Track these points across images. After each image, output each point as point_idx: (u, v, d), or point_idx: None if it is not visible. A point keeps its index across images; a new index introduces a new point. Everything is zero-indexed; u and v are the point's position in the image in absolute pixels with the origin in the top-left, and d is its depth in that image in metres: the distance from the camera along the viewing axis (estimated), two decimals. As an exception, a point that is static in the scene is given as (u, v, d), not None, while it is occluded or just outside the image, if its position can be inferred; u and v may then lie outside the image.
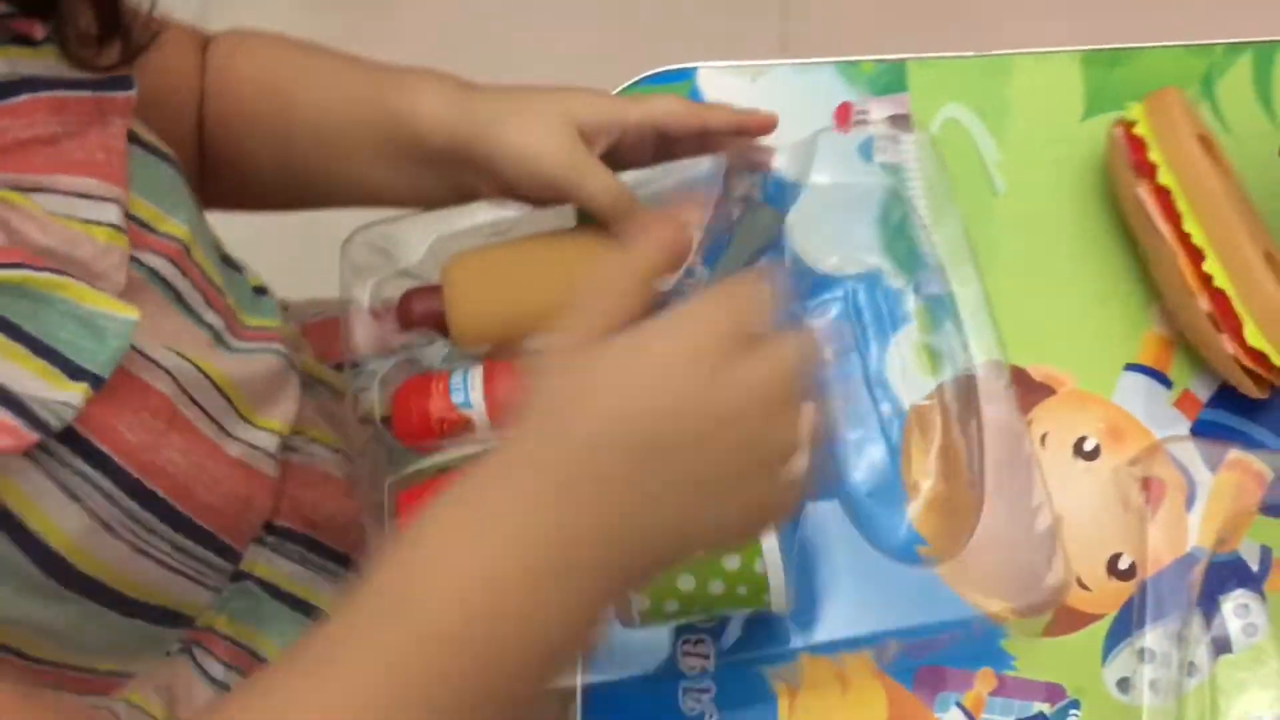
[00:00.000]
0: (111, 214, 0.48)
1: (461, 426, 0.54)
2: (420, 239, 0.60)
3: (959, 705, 0.54)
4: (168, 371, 0.50)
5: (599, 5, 1.59)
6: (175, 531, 0.50)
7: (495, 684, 0.37)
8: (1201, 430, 0.59)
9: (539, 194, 0.58)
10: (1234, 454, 0.57)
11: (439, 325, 0.57)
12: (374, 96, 0.59)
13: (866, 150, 0.65)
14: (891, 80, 0.69)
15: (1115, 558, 0.56)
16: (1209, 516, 0.56)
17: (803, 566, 0.53)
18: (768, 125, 0.61)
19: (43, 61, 0.49)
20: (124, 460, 0.47)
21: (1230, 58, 0.68)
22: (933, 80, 0.68)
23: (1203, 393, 0.60)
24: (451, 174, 0.59)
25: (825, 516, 0.54)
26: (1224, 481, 0.57)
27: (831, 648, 0.53)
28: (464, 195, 0.60)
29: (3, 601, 0.45)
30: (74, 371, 0.44)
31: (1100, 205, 0.65)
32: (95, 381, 0.44)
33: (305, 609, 0.59)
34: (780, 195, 0.62)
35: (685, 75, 0.69)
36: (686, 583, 0.48)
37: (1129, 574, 0.56)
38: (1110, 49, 0.68)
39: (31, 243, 0.45)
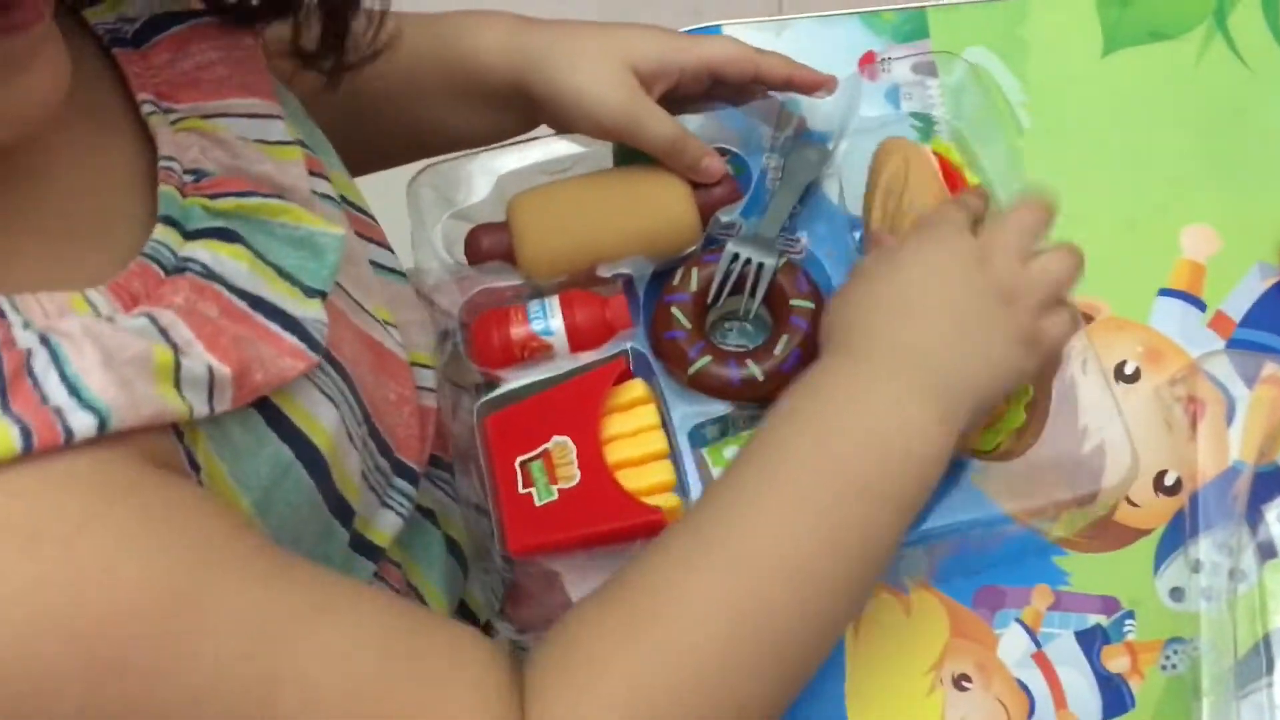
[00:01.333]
0: (279, 129, 0.49)
1: (542, 352, 0.56)
2: (481, 179, 0.62)
3: (1018, 621, 0.56)
4: (347, 293, 0.51)
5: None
6: (379, 452, 0.52)
7: (893, 494, 0.46)
8: (1236, 348, 0.61)
9: (599, 134, 0.59)
10: (1269, 367, 0.59)
11: (508, 258, 0.59)
12: (435, 45, 0.60)
13: (894, 97, 0.66)
14: (913, 28, 0.70)
15: (1161, 475, 0.58)
16: (1249, 430, 0.58)
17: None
18: (819, 83, 0.62)
19: None
20: (347, 366, 0.48)
21: (1239, -9, 0.70)
22: (952, 25, 0.70)
23: (1235, 313, 0.62)
24: (515, 111, 0.60)
25: None
26: (1261, 395, 0.59)
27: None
28: (529, 128, 0.62)
29: (280, 528, 0.46)
30: (307, 290, 0.46)
31: (1123, 138, 0.66)
32: (322, 297, 0.46)
33: (449, 542, 0.60)
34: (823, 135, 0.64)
35: (712, 33, 0.71)
36: None
37: (1175, 489, 0.58)
38: (1123, -14, 0.70)
39: (237, 168, 0.46)
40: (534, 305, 0.57)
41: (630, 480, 0.53)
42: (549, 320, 0.56)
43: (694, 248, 0.59)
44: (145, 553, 0.37)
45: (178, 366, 0.39)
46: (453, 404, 0.57)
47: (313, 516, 0.48)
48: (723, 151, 0.61)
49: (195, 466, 0.42)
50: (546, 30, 0.59)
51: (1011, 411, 0.53)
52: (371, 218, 0.58)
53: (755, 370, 0.55)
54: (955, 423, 0.47)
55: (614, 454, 0.53)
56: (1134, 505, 0.58)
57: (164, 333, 0.40)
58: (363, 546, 0.53)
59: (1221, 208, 0.64)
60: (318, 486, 0.47)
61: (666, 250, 0.59)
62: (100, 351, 0.37)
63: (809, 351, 0.54)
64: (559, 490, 0.53)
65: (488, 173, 0.62)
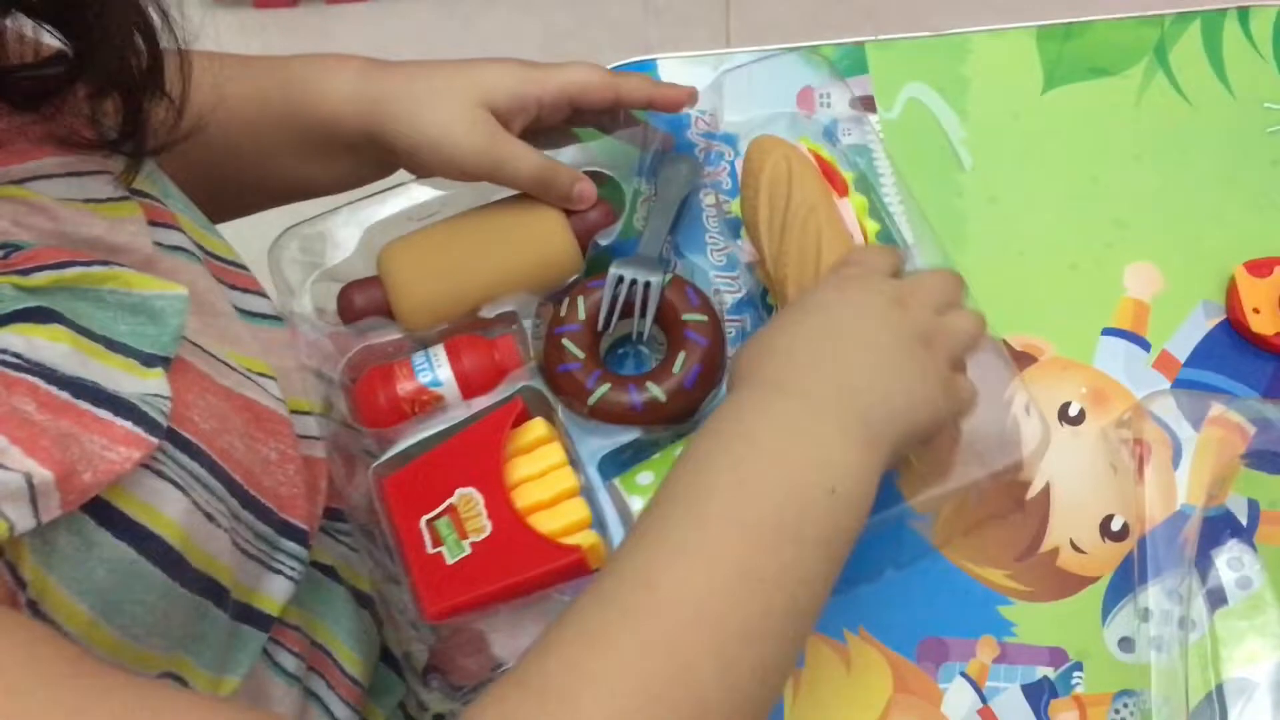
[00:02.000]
0: (108, 185, 0.46)
1: (434, 404, 0.54)
2: (346, 234, 0.60)
3: (963, 675, 0.54)
4: (204, 350, 0.47)
5: (540, 11, 1.59)
6: (258, 519, 0.48)
7: (818, 536, 0.44)
8: (1182, 388, 0.59)
9: (462, 178, 0.57)
10: (1216, 408, 0.58)
11: (384, 312, 0.57)
12: (281, 94, 0.57)
13: (831, 133, 0.65)
14: (852, 63, 0.69)
15: (1108, 519, 0.57)
16: (1196, 472, 0.57)
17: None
18: (680, 101, 0.61)
19: None
20: (206, 446, 0.45)
21: (1180, 27, 0.69)
22: (893, 62, 0.69)
23: (1180, 352, 0.60)
24: (370, 158, 0.59)
25: None
26: (1208, 437, 0.57)
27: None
28: (387, 173, 0.60)
29: (135, 625, 0.43)
30: (146, 359, 0.42)
31: (1065, 175, 0.65)
32: (165, 364, 0.42)
33: (356, 595, 0.57)
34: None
35: (647, 67, 0.69)
36: None
37: (1122, 535, 0.56)
38: (1064, 24, 0.69)
39: (56, 232, 0.43)
40: (418, 357, 0.55)
41: (544, 523, 0.51)
42: (436, 371, 0.54)
43: (577, 276, 0.58)
44: None
45: None
46: (346, 472, 0.54)
47: (173, 606, 0.44)
48: (594, 175, 0.60)
49: (21, 583, 0.38)
50: (397, 73, 0.57)
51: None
52: (239, 265, 0.55)
53: (657, 392, 0.53)
54: (881, 458, 0.45)
55: (523, 498, 0.51)
56: (1080, 551, 0.56)
57: None
58: (249, 616, 0.50)
59: (1165, 245, 0.63)
60: (171, 577, 0.43)
61: (549, 282, 0.57)
62: None
63: (709, 366, 0.54)
64: (471, 544, 0.50)
65: (352, 225, 0.60)
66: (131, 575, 0.42)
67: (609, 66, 0.64)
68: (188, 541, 0.43)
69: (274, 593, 0.50)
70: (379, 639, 0.59)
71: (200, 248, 0.52)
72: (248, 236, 0.60)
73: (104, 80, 0.46)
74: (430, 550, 0.50)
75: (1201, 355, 0.60)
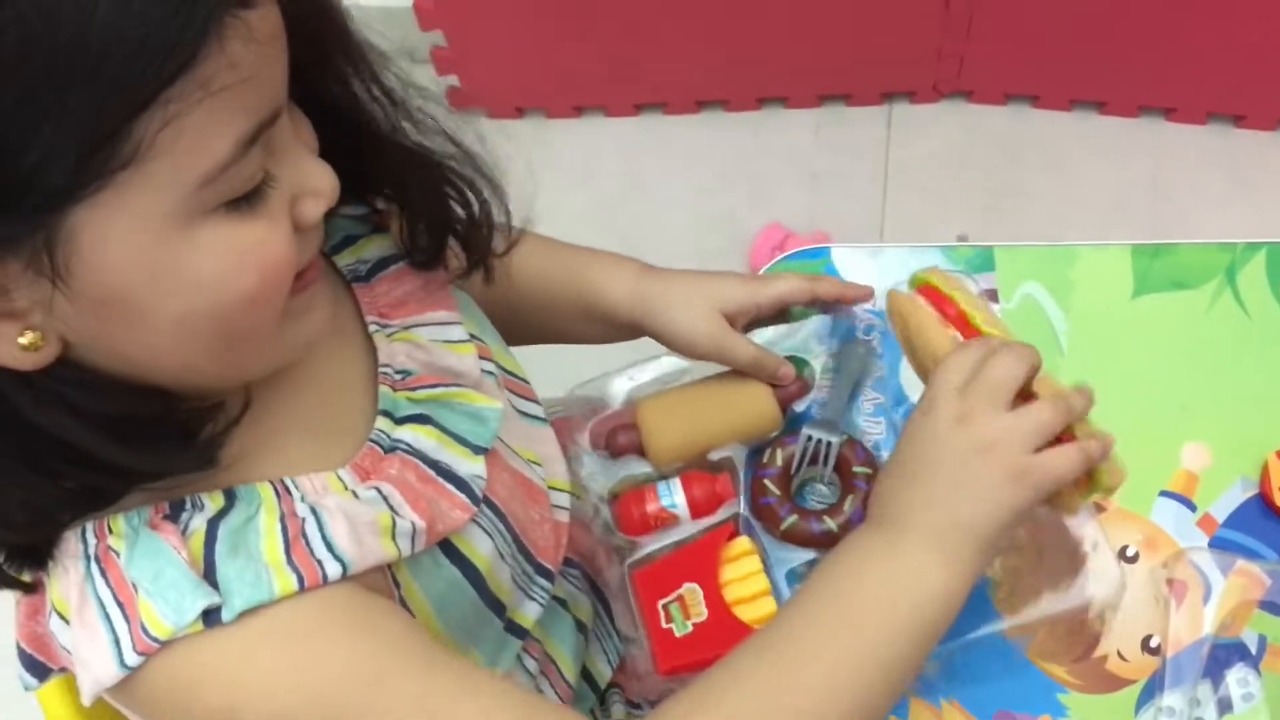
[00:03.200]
0: (458, 332, 0.69)
1: (670, 521, 0.75)
2: (614, 391, 0.83)
3: (1026, 742, 0.72)
4: (507, 445, 0.70)
5: (728, 134, 1.83)
6: (525, 560, 0.70)
7: (903, 634, 0.60)
8: (1217, 545, 0.77)
9: (697, 358, 0.79)
10: (1241, 563, 0.75)
11: (639, 452, 0.78)
12: (572, 278, 0.80)
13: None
14: (983, 261, 0.89)
15: (1148, 638, 0.75)
16: (1220, 610, 0.75)
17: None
18: (863, 296, 0.81)
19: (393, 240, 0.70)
20: (503, 507, 0.67)
21: (1249, 254, 0.87)
22: (1015, 262, 0.89)
23: (1220, 515, 0.78)
24: (630, 332, 0.80)
25: None
26: (1232, 584, 0.75)
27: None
28: (636, 338, 0.82)
29: (452, 623, 0.65)
30: (475, 449, 0.65)
31: (1144, 365, 0.84)
32: (484, 453, 0.65)
33: (577, 622, 0.79)
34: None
35: (823, 253, 0.90)
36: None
37: (1157, 650, 0.74)
38: (1154, 244, 0.88)
39: (430, 365, 0.66)
40: (661, 485, 0.77)
41: (744, 613, 0.72)
42: (674, 497, 0.76)
43: (777, 433, 0.79)
44: (350, 649, 0.56)
45: (394, 525, 0.58)
46: (605, 559, 0.77)
47: (475, 611, 0.67)
48: (792, 359, 0.81)
49: (397, 584, 0.61)
50: (659, 280, 0.79)
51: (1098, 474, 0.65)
52: (523, 379, 0.78)
53: (831, 524, 0.74)
54: (960, 563, 0.60)
55: (730, 594, 0.72)
56: (1124, 660, 0.74)
57: (386, 499, 0.59)
58: (513, 629, 0.72)
59: (1217, 430, 0.81)
60: (477, 593, 0.66)
61: (757, 437, 0.78)
62: (347, 520, 0.57)
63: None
64: (692, 624, 0.72)
65: (623, 385, 0.84)
66: (456, 588, 0.65)
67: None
68: (490, 571, 0.66)
69: (529, 613, 0.73)
70: (585, 654, 0.81)
71: (500, 367, 0.75)
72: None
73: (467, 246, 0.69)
74: (664, 625, 0.72)
75: (1235, 520, 0.78)
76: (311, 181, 0.53)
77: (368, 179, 0.65)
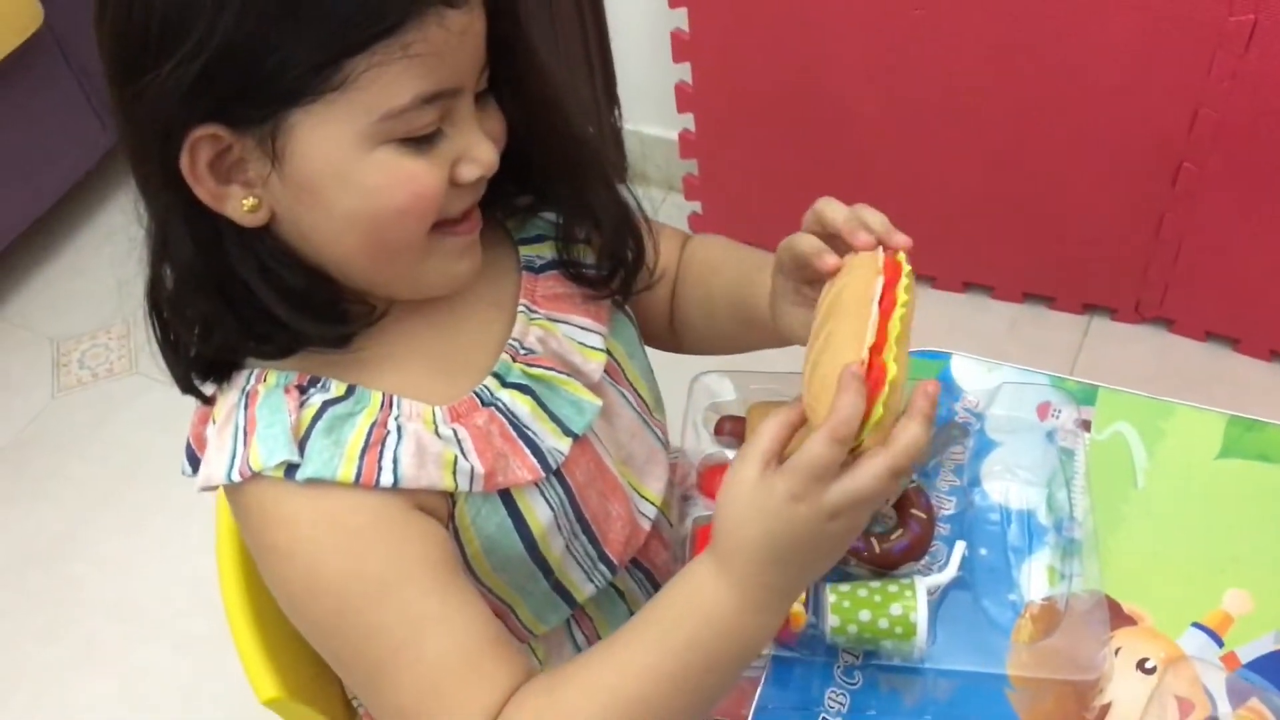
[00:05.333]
0: (596, 340, 0.83)
1: None
2: (733, 386, 0.96)
3: (1002, 793, 0.78)
4: (603, 443, 0.84)
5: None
6: (589, 543, 0.83)
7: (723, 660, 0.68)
8: (1233, 682, 0.82)
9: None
10: (1255, 700, 0.80)
11: (739, 440, 0.91)
12: (744, 292, 0.86)
13: (1053, 436, 0.94)
14: (1085, 396, 0.98)
15: (1145, 741, 0.80)
16: (1222, 736, 0.79)
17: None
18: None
19: (576, 251, 0.84)
20: (575, 488, 0.79)
21: (1340, 447, 0.93)
22: (1114, 403, 0.97)
23: (1244, 657, 0.83)
24: (772, 337, 0.83)
25: (954, 606, 0.84)
26: (1240, 718, 0.79)
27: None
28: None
29: (498, 565, 0.79)
30: (566, 431, 0.78)
31: (1208, 514, 0.90)
32: (575, 439, 0.79)
33: (629, 610, 0.91)
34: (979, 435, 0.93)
35: (943, 356, 1.02)
36: (864, 615, 0.78)
37: (1154, 755, 0.79)
38: (1250, 419, 0.95)
39: (555, 353, 0.80)
40: None
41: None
42: None
43: None
44: (379, 553, 0.69)
45: (455, 462, 0.72)
46: (679, 514, 0.89)
47: (521, 564, 0.79)
48: None
49: (453, 517, 0.75)
50: None
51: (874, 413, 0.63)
52: (655, 406, 0.91)
53: (876, 547, 0.83)
54: (776, 615, 0.68)
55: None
56: (1117, 753, 0.80)
57: (460, 442, 0.72)
58: (566, 595, 0.84)
59: (1265, 586, 0.86)
60: (525, 548, 0.78)
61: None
62: (418, 445, 0.70)
63: (914, 546, 0.83)
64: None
65: (740, 383, 0.97)
66: (507, 535, 0.77)
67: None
68: (544, 535, 0.79)
69: (584, 589, 0.85)
70: None
71: (634, 389, 0.89)
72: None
73: (614, 260, 0.85)
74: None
75: (1260, 665, 0.82)
76: (474, 151, 0.69)
77: (566, 195, 0.83)
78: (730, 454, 0.92)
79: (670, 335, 0.97)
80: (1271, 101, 1.53)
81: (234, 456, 0.70)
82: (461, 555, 0.77)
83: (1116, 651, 0.84)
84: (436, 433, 0.73)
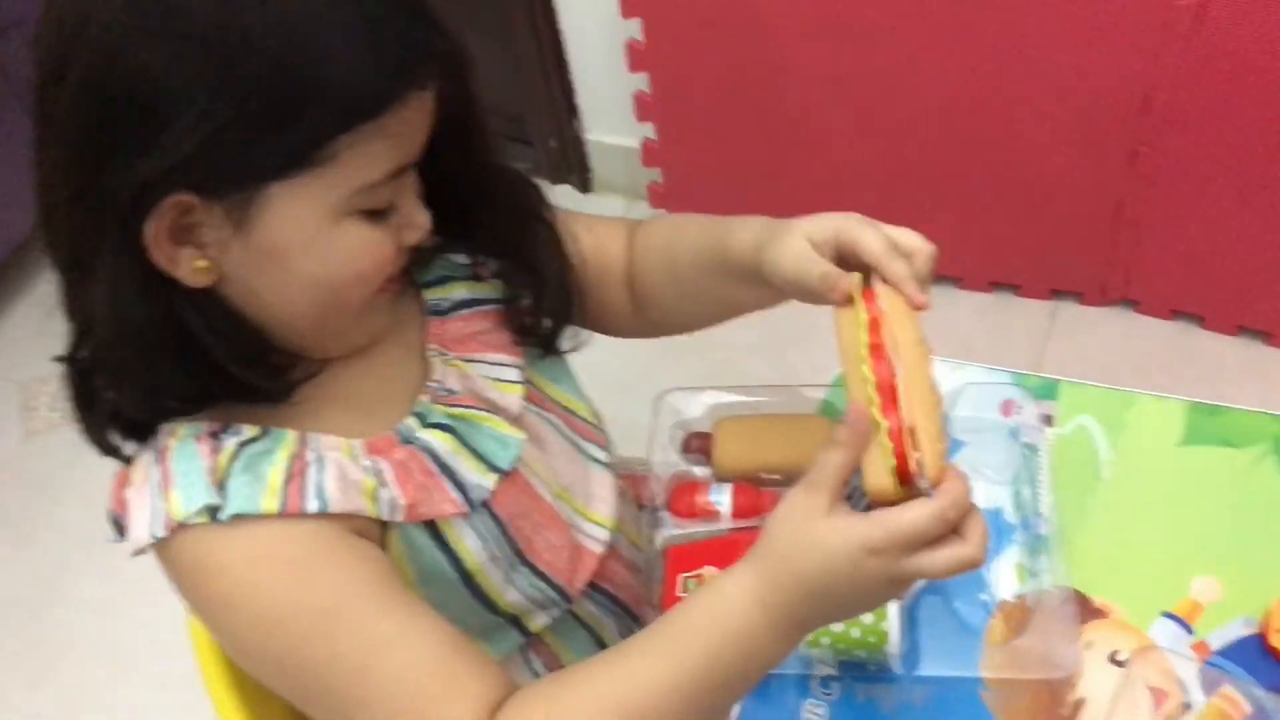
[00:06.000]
0: (512, 374, 0.83)
1: (712, 514, 0.87)
2: (699, 403, 0.97)
3: (982, 794, 0.79)
4: (536, 474, 0.84)
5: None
6: (532, 574, 0.83)
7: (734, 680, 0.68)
8: (1206, 670, 0.83)
9: (793, 289, 0.74)
10: (1227, 687, 0.81)
11: (706, 456, 0.91)
12: (717, 234, 0.83)
13: (1017, 433, 0.95)
14: (1047, 390, 0.99)
15: (1119, 732, 0.81)
16: (1196, 724, 0.80)
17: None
18: (917, 305, 0.71)
19: (486, 288, 0.85)
20: (506, 521, 0.79)
21: (1300, 428, 0.94)
22: (1076, 397, 0.98)
23: (1215, 644, 0.84)
24: (753, 286, 0.78)
25: (926, 610, 0.84)
26: (1215, 704, 0.80)
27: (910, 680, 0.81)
28: (766, 304, 0.82)
29: (437, 600, 0.76)
30: (491, 467, 0.78)
31: (1174, 504, 0.91)
32: (502, 474, 0.78)
33: (597, 639, 0.91)
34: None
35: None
36: (837, 626, 0.79)
37: (1127, 746, 0.80)
38: (1211, 404, 0.96)
39: (473, 392, 0.81)
40: (714, 486, 0.90)
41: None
42: (722, 496, 0.88)
43: None
44: (318, 580, 0.69)
45: (377, 492, 0.72)
46: (649, 535, 0.90)
47: (459, 594, 0.79)
48: None
49: (385, 546, 0.74)
50: (772, 225, 0.76)
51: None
52: (594, 425, 0.91)
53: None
54: (791, 646, 0.67)
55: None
56: (1092, 746, 0.80)
57: (379, 474, 0.73)
58: (517, 624, 0.84)
59: (1232, 572, 0.87)
60: (460, 580, 0.78)
61: (806, 470, 0.90)
62: (339, 472, 0.71)
63: None
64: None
65: (706, 400, 0.97)
66: (440, 567, 0.77)
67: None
68: (477, 566, 0.79)
69: (537, 619, 0.85)
70: None
71: (566, 409, 0.88)
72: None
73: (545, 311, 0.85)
74: (679, 594, 0.83)
75: (1231, 652, 0.83)
76: (416, 217, 0.73)
77: (484, 238, 0.84)
78: (699, 471, 0.92)
79: (638, 322, 0.95)
80: (1221, 82, 1.54)
81: (154, 512, 0.70)
82: None
83: (1088, 645, 0.84)
84: (357, 463, 0.73)
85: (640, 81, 1.94)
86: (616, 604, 0.93)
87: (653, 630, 0.69)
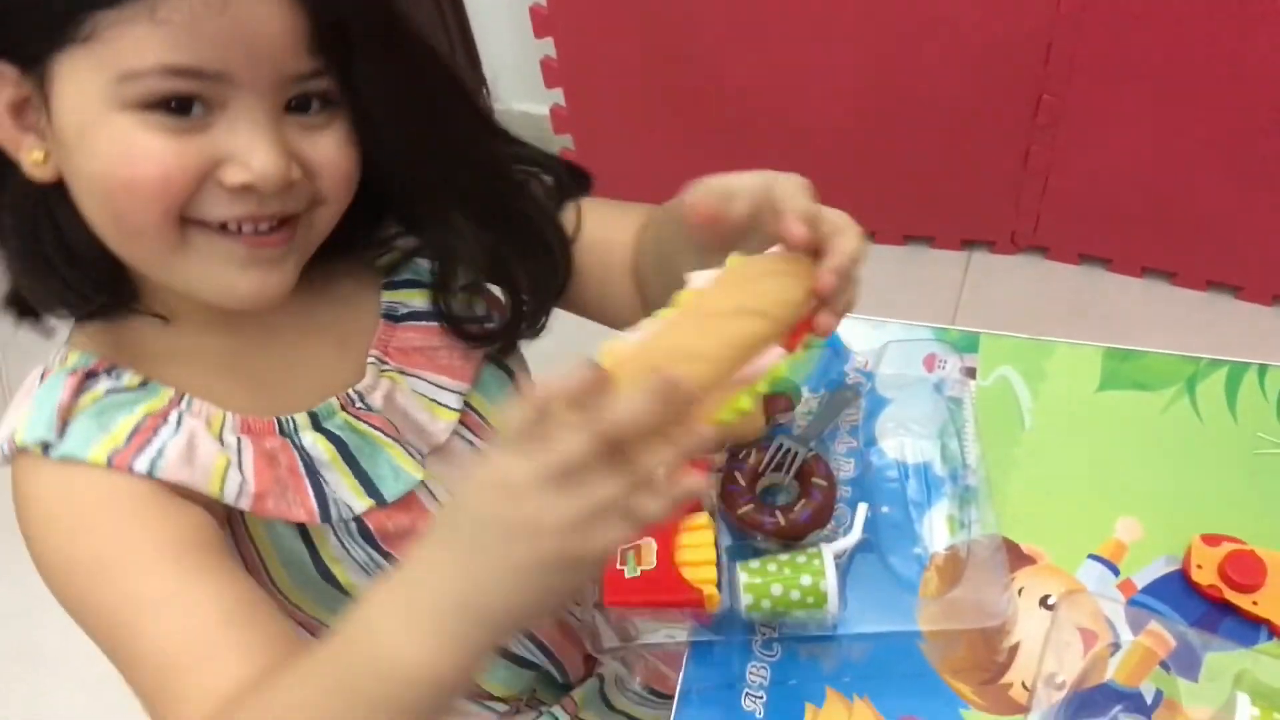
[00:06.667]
0: (452, 399, 0.81)
1: None
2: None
3: (924, 745, 0.81)
4: (440, 501, 0.81)
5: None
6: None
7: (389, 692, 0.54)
8: (1132, 608, 0.85)
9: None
10: (1153, 624, 0.83)
11: None
12: (666, 211, 0.79)
13: (941, 387, 0.96)
14: (968, 344, 1.00)
15: (1052, 674, 0.83)
16: (1124, 663, 0.82)
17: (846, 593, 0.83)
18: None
19: (437, 301, 0.81)
20: (381, 539, 0.77)
21: (1211, 368, 0.97)
22: (996, 348, 1.00)
23: (1140, 582, 0.86)
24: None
25: (862, 568, 0.85)
26: (1141, 642, 0.83)
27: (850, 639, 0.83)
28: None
29: (299, 583, 0.77)
30: (370, 492, 0.75)
31: (1096, 446, 0.93)
32: (381, 502, 0.76)
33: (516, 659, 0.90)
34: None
35: (829, 318, 1.03)
36: (776, 589, 0.79)
37: (1060, 687, 0.82)
38: (1125, 349, 0.98)
39: (398, 410, 0.78)
40: None
41: (688, 573, 0.82)
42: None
43: (758, 437, 0.90)
44: (100, 530, 0.66)
45: (227, 471, 0.69)
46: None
47: (320, 587, 0.77)
48: (788, 389, 0.93)
49: (243, 521, 0.73)
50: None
51: (741, 396, 0.59)
52: None
53: (780, 519, 0.85)
54: (465, 649, 0.52)
55: (680, 556, 0.83)
56: (1027, 690, 0.82)
57: (239, 455, 0.70)
58: None
59: (1151, 510, 0.89)
60: (320, 576, 0.76)
61: (740, 436, 0.90)
62: (189, 443, 0.68)
63: (819, 514, 0.84)
64: (641, 570, 0.83)
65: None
66: (300, 560, 0.76)
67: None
68: (342, 571, 0.77)
69: None
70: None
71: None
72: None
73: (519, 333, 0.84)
74: (618, 565, 0.83)
75: (1154, 589, 0.86)
76: (246, 155, 0.63)
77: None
78: None
79: (644, 313, 0.91)
80: (1120, 28, 1.57)
81: (9, 426, 0.70)
82: (261, 565, 0.77)
83: (1020, 592, 0.86)
84: (220, 439, 0.71)
85: (546, 46, 1.91)
86: (532, 640, 0.93)
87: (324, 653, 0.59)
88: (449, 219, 0.79)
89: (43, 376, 0.71)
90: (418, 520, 0.79)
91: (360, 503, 0.75)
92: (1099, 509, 0.90)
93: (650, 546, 0.84)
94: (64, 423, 0.68)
